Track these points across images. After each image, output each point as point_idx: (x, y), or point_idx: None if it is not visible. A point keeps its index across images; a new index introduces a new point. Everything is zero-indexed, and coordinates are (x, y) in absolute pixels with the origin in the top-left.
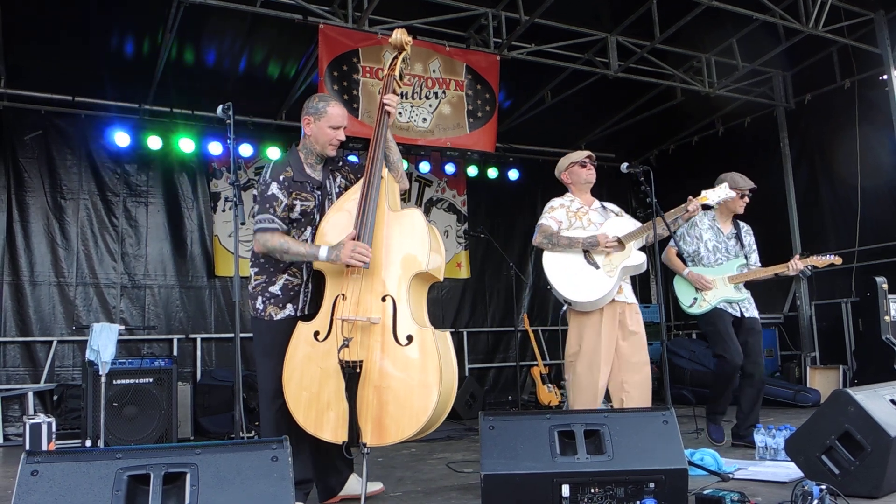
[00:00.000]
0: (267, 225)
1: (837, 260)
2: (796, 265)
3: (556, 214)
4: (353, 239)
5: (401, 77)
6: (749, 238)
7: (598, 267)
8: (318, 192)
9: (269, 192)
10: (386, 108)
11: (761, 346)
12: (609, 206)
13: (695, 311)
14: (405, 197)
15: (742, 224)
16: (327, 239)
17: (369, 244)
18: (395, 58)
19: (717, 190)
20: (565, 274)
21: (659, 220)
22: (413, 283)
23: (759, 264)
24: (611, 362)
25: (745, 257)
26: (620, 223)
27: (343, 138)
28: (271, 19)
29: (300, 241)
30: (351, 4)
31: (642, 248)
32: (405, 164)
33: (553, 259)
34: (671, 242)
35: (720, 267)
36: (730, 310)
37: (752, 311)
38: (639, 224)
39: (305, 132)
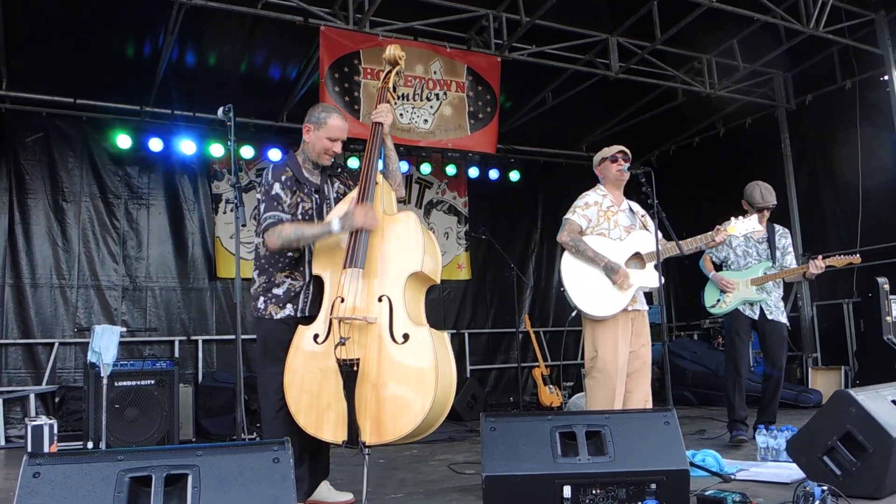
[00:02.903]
0: (276, 220)
1: (857, 259)
2: (818, 264)
3: (589, 213)
4: (351, 236)
5: (394, 89)
6: (784, 241)
7: (615, 283)
8: (317, 196)
9: (274, 192)
10: (376, 119)
11: (782, 349)
12: (637, 210)
13: (716, 311)
14: (404, 200)
15: (778, 227)
16: (325, 244)
17: (364, 250)
18: (389, 72)
19: (746, 222)
20: (582, 283)
21: (674, 244)
22: (409, 284)
23: (794, 265)
24: (626, 367)
25: (778, 259)
26: (645, 238)
27: (339, 150)
28: (272, 21)
29: (309, 223)
30: (352, 6)
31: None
32: (406, 166)
33: (572, 264)
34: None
35: (748, 270)
36: (748, 312)
37: (776, 314)
38: (661, 241)
39: (304, 139)
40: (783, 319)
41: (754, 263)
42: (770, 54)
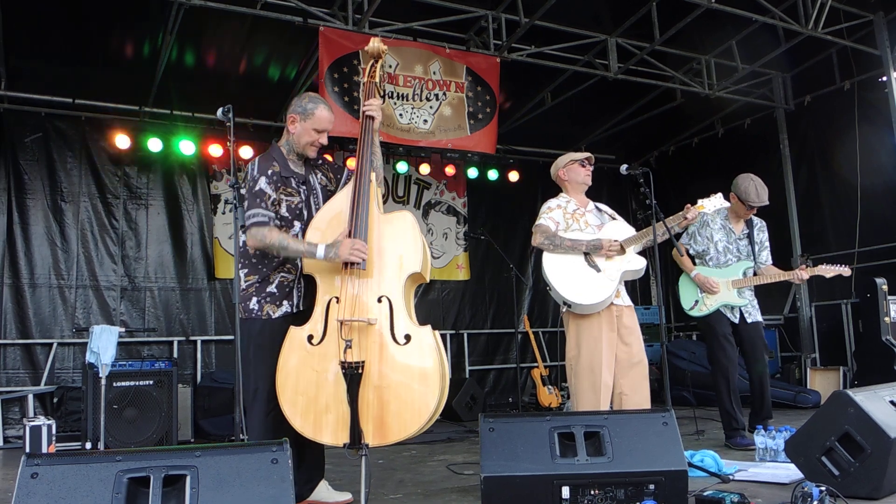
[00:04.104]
0: (261, 219)
1: (846, 271)
2: (801, 275)
3: (554, 215)
4: (348, 236)
5: (380, 82)
6: (762, 235)
7: (599, 270)
8: (304, 188)
9: (258, 188)
10: (367, 112)
11: (764, 347)
12: (603, 208)
13: (695, 313)
14: (404, 199)
15: (756, 220)
16: (320, 237)
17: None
18: (374, 65)
19: (713, 199)
20: (566, 276)
21: (659, 224)
22: (406, 284)
23: (770, 261)
24: (612, 364)
25: (755, 255)
26: (619, 227)
27: (325, 142)
28: (271, 21)
29: (295, 237)
30: (351, 7)
31: (641, 253)
32: (405, 167)
33: (553, 260)
34: (682, 240)
35: (727, 269)
36: (728, 314)
37: (755, 315)
38: (633, 229)
39: (290, 129)
40: (760, 318)
41: (734, 261)
42: (769, 55)
